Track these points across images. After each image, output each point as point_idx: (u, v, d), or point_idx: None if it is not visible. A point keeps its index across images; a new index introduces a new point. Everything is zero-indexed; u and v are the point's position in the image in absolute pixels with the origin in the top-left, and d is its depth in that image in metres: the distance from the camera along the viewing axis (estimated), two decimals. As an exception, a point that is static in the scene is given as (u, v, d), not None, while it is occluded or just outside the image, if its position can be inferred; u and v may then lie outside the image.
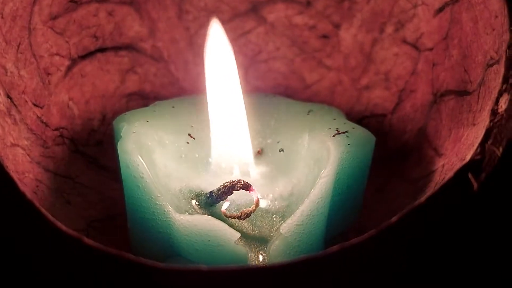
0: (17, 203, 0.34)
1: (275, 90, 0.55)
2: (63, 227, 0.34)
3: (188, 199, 0.46)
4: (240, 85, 0.48)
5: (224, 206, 0.45)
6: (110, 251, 0.34)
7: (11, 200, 0.34)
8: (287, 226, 0.43)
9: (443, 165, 0.44)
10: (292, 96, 0.53)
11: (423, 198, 0.35)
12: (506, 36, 0.40)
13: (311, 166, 0.46)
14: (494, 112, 0.39)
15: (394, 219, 0.34)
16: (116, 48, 0.53)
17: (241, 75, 0.53)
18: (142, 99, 0.53)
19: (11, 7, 0.45)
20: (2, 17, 0.44)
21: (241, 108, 0.48)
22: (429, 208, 0.34)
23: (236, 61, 0.53)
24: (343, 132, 0.45)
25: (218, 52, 0.47)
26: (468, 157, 0.38)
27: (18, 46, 0.46)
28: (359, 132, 0.46)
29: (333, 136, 0.45)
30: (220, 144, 0.47)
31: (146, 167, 0.43)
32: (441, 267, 0.35)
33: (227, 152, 0.47)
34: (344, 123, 0.47)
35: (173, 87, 0.54)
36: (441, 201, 0.34)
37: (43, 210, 0.35)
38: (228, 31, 0.53)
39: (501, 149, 0.36)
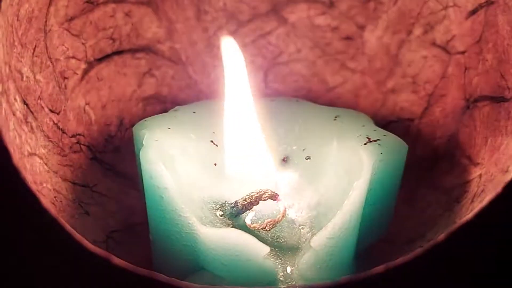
0: (41, 221, 0.33)
1: (296, 93, 0.53)
2: (91, 246, 0.32)
3: (211, 209, 0.45)
4: (254, 93, 0.46)
5: (249, 216, 0.44)
6: (140, 271, 0.32)
7: (34, 218, 0.32)
8: (318, 239, 0.41)
9: (480, 175, 0.43)
10: (314, 99, 0.52)
11: (470, 215, 0.33)
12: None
13: (341, 175, 0.44)
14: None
15: (441, 237, 0.32)
16: (133, 50, 0.51)
17: (260, 78, 0.53)
18: (160, 103, 0.52)
19: (27, 8, 0.43)
20: (18, 19, 0.42)
21: (255, 116, 0.46)
22: (479, 225, 0.32)
23: (256, 63, 0.53)
24: (375, 140, 0.44)
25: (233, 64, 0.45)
26: (511, 169, 0.36)
27: (34, 49, 0.44)
28: (391, 140, 0.44)
29: (365, 144, 0.43)
30: (236, 152, 0.46)
31: (169, 177, 0.42)
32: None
33: (247, 160, 0.46)
34: (374, 130, 0.45)
35: (191, 90, 0.53)
36: (491, 218, 0.32)
37: (68, 227, 0.33)
38: (248, 32, 0.53)
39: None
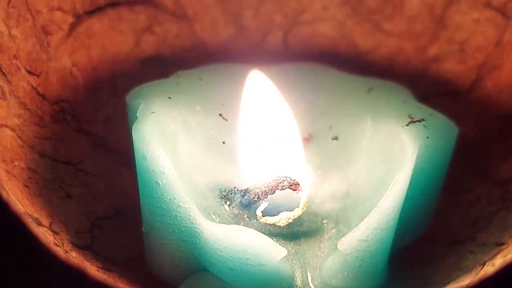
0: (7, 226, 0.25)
1: (320, 58, 0.47)
2: (63, 255, 0.25)
3: (217, 197, 0.38)
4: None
5: (261, 207, 0.38)
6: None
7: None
8: (348, 241, 0.35)
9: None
10: (342, 66, 0.46)
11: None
12: None
13: (376, 161, 0.38)
14: None
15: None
16: (131, 2, 0.46)
17: (279, 39, 0.49)
18: (161, 66, 0.47)
19: None
20: (-13, -40, 0.36)
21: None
22: None
23: (274, 22, 0.49)
24: (419, 121, 0.38)
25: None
26: None
27: (9, -1, 0.39)
28: (439, 120, 0.38)
29: (407, 125, 0.37)
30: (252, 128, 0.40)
31: (168, 160, 0.35)
32: None
33: (266, 139, 0.40)
34: (418, 108, 0.39)
35: (198, 51, 0.48)
36: None
37: (36, 232, 0.26)
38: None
39: None
